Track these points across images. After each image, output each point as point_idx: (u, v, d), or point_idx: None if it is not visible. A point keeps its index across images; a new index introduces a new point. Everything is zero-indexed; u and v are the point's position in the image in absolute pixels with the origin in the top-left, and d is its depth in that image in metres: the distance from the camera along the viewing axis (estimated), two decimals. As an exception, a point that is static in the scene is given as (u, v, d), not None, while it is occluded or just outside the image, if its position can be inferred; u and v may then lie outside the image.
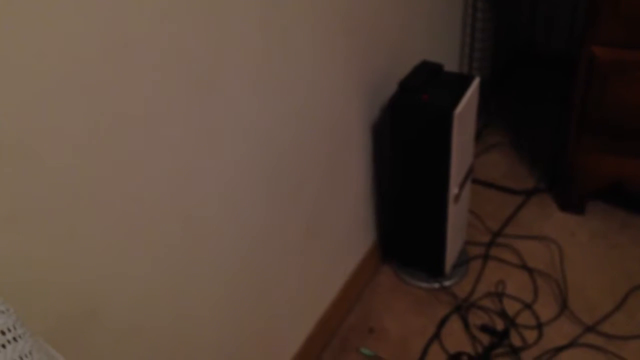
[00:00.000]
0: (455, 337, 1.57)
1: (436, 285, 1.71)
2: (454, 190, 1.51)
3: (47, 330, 0.76)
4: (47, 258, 0.74)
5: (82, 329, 0.82)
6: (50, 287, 0.76)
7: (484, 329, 1.58)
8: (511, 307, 1.64)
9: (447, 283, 1.72)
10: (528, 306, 1.64)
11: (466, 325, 1.60)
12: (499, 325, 1.59)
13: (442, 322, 1.61)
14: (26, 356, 0.44)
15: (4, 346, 0.43)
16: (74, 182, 0.75)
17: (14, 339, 0.44)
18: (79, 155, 0.74)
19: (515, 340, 1.55)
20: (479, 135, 2.30)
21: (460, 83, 1.48)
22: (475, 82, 1.49)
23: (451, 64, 2.12)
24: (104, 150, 0.78)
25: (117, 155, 0.80)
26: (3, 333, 0.43)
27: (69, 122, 0.72)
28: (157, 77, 0.83)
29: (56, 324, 0.78)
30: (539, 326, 1.58)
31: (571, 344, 1.52)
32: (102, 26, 0.73)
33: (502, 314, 1.62)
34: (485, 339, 1.56)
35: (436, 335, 1.58)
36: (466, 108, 1.44)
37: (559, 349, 1.51)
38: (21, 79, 0.65)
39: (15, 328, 0.44)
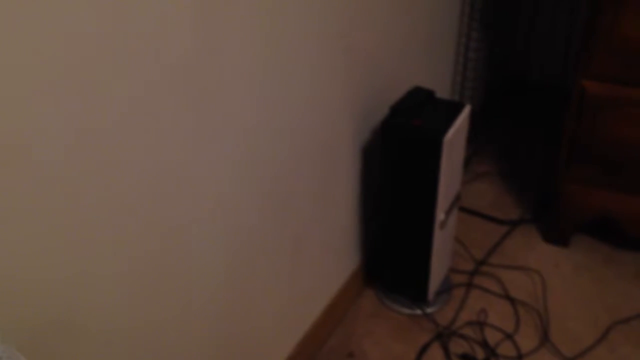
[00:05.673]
0: (436, 365, 1.56)
1: (418, 311, 1.70)
2: (440, 216, 1.51)
3: (25, 338, 0.75)
4: (27, 255, 0.73)
5: (61, 336, 0.81)
6: (30, 288, 0.74)
7: (465, 357, 1.57)
8: (492, 337, 1.63)
9: (429, 310, 1.71)
10: (509, 336, 1.63)
11: (447, 353, 1.59)
12: (480, 354, 1.58)
13: (423, 349, 1.60)
14: None
15: None
16: (57, 181, 0.74)
17: None
18: (64, 153, 0.73)
19: (496, 371, 1.54)
20: (467, 163, 2.31)
21: (451, 110, 1.48)
22: (466, 110, 1.50)
23: (443, 92, 2.14)
24: (89, 150, 0.77)
25: (103, 156, 0.79)
26: None
27: (56, 122, 0.71)
28: (151, 84, 0.83)
29: (34, 332, 0.76)
30: (520, 357, 1.57)
31: (551, 377, 1.52)
32: (95, 24, 0.72)
33: (483, 344, 1.61)
34: (465, 367, 1.55)
35: (416, 362, 1.57)
36: (456, 135, 1.44)
37: (539, 382, 1.50)
38: (9, 78, 0.64)
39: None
